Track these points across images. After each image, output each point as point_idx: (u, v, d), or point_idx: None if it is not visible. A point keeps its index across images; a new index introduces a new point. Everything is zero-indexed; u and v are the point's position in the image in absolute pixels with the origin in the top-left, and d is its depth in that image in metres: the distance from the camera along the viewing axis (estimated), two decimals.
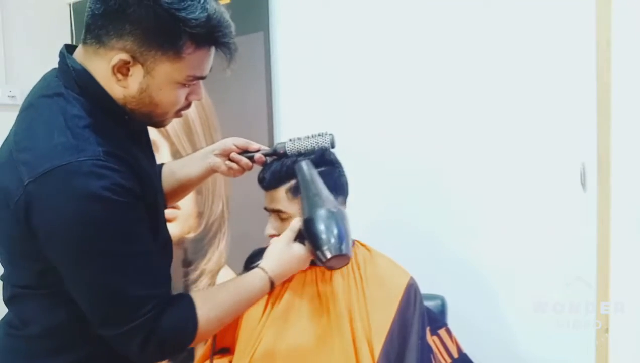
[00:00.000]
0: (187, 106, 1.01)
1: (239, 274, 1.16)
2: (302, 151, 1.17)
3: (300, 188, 1.11)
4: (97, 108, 0.92)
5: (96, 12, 0.89)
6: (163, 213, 1.10)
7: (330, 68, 1.74)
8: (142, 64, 0.90)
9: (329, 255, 1.02)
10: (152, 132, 1.11)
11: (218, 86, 1.92)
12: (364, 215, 1.26)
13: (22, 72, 2.22)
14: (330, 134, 1.16)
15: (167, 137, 2.02)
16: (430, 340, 1.20)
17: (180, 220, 2.02)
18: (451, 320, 1.39)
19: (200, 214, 1.98)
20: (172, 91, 0.94)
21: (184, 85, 0.95)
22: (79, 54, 0.95)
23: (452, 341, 1.23)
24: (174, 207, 1.99)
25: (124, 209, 0.87)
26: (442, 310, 1.43)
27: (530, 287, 1.43)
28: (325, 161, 1.19)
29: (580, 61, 1.33)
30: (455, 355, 1.21)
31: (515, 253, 1.46)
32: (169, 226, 1.11)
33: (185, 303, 0.94)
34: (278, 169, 1.18)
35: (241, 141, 1.19)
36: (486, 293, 1.51)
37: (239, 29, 1.91)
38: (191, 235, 2.00)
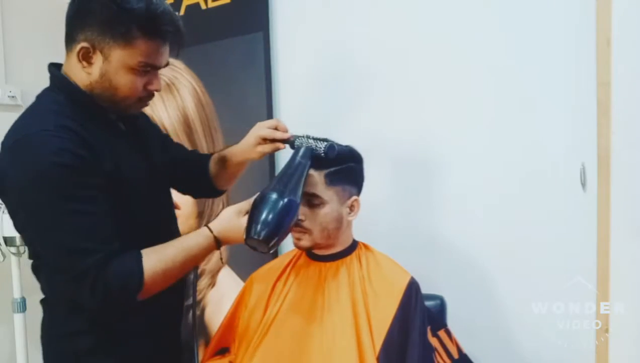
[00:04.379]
0: (148, 96, 1.13)
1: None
2: None
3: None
4: (76, 104, 1.07)
5: (69, 15, 1.07)
6: (153, 198, 1.21)
7: (330, 68, 1.74)
8: (100, 51, 1.05)
9: (248, 235, 1.04)
10: None
11: (218, 86, 1.92)
12: (364, 215, 1.27)
13: (22, 72, 2.22)
14: (327, 144, 1.15)
15: None
16: (430, 341, 1.20)
17: (180, 220, 2.00)
18: (451, 320, 1.39)
19: (200, 214, 1.98)
20: (127, 75, 1.06)
21: (137, 71, 1.07)
22: (64, 62, 1.11)
23: (452, 342, 1.23)
24: (174, 207, 1.99)
25: (69, 172, 0.99)
26: (442, 310, 1.43)
27: (530, 287, 1.43)
28: (355, 156, 1.25)
29: (580, 60, 1.33)
30: (455, 356, 1.21)
31: (515, 253, 1.46)
32: None
33: (133, 255, 1.04)
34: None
35: (268, 133, 1.25)
36: (486, 293, 1.51)
37: (239, 29, 1.91)
38: None
